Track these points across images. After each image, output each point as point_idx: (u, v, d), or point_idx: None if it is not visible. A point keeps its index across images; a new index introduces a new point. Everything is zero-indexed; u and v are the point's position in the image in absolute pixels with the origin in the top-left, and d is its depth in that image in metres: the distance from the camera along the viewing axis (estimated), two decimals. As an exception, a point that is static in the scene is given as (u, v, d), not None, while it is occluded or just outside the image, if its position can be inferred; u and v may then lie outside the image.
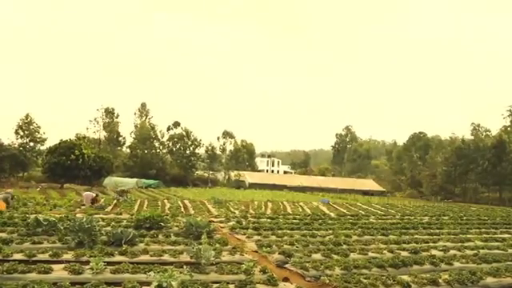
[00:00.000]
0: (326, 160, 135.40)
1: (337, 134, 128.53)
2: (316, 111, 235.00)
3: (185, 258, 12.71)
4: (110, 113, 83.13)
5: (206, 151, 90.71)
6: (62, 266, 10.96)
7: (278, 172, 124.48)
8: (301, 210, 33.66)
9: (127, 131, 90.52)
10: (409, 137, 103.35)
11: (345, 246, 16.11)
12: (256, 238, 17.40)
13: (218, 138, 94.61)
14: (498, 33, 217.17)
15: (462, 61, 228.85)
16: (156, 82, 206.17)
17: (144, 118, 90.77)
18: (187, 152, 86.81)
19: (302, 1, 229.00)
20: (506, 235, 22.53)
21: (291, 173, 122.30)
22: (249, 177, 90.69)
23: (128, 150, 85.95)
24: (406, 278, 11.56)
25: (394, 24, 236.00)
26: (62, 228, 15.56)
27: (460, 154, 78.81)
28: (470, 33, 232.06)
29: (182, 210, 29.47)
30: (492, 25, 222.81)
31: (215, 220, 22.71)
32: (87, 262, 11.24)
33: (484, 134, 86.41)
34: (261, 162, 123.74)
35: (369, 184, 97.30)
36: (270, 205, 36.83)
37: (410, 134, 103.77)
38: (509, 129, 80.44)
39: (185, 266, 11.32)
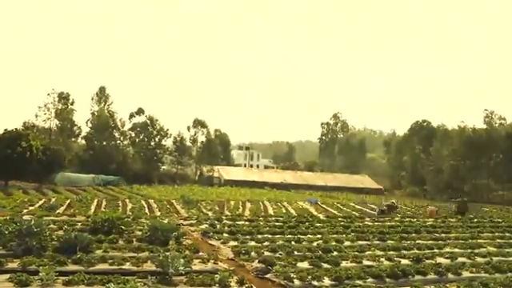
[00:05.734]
0: (314, 153, 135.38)
1: (322, 124, 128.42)
2: (302, 96, 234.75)
3: (149, 266, 12.75)
4: (63, 98, 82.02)
5: (174, 142, 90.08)
6: (7, 276, 10.92)
7: (257, 166, 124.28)
8: (284, 211, 33.86)
9: (83, 119, 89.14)
10: (410, 126, 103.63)
11: (335, 253, 16.27)
12: (232, 243, 17.51)
13: (189, 128, 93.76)
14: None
15: (472, 39, 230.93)
16: (117, 64, 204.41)
17: (103, 105, 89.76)
18: (152, 144, 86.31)
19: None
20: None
21: (273, 167, 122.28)
22: (224, 172, 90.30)
23: (83, 142, 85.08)
24: (406, 289, 11.73)
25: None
26: (6, 232, 15.42)
27: (470, 145, 79.07)
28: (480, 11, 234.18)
29: (147, 211, 29.49)
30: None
31: (185, 223, 22.79)
32: (36, 272, 11.22)
33: (498, 122, 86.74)
34: (238, 155, 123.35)
35: (363, 181, 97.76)
36: (248, 205, 36.98)
37: (412, 122, 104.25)
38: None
39: (149, 277, 11.37)
